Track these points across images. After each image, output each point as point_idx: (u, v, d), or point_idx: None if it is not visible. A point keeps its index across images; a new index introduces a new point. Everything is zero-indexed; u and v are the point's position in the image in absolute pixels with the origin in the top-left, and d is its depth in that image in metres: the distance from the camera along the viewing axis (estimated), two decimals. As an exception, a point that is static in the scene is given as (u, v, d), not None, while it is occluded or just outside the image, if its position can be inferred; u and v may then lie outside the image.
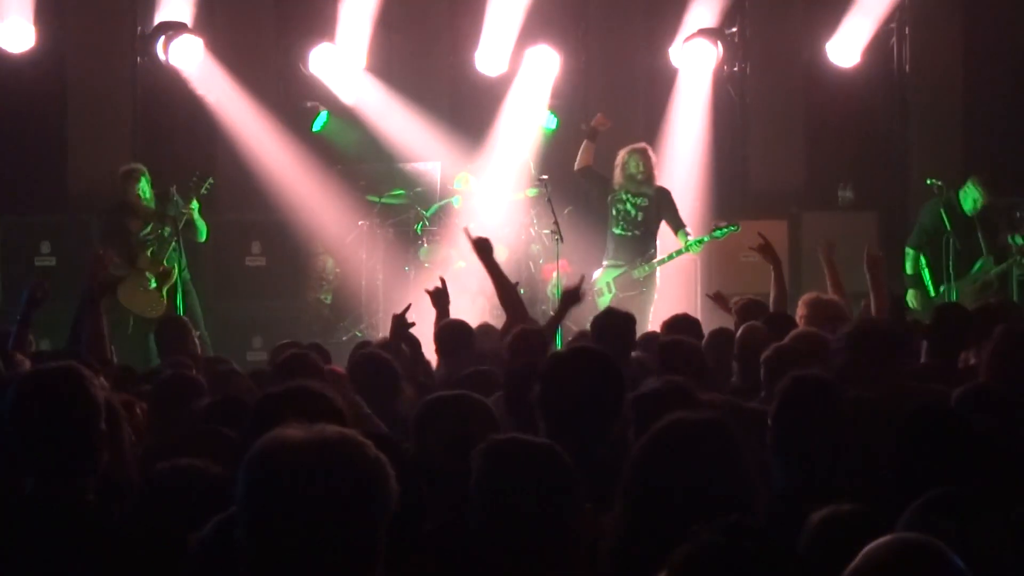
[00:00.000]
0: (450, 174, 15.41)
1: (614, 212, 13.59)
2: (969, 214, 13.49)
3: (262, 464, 2.83)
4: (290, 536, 2.78)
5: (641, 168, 13.52)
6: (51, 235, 14.45)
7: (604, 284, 13.48)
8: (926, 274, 13.60)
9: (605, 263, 13.62)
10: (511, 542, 3.84)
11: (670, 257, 13.40)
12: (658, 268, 13.42)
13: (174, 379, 6.69)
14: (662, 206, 13.55)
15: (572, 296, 8.70)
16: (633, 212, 13.52)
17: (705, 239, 13.35)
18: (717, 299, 10.53)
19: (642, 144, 13.86)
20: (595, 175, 13.81)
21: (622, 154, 13.65)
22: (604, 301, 13.02)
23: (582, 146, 13.83)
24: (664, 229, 13.56)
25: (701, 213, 14.97)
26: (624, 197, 13.53)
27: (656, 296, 13.44)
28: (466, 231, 8.80)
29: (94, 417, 4.31)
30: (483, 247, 8.61)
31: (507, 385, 5.99)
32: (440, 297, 9.03)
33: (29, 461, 4.28)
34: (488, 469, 3.94)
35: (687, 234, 13.23)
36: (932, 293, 13.39)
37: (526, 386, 5.31)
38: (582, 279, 8.85)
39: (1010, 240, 13.54)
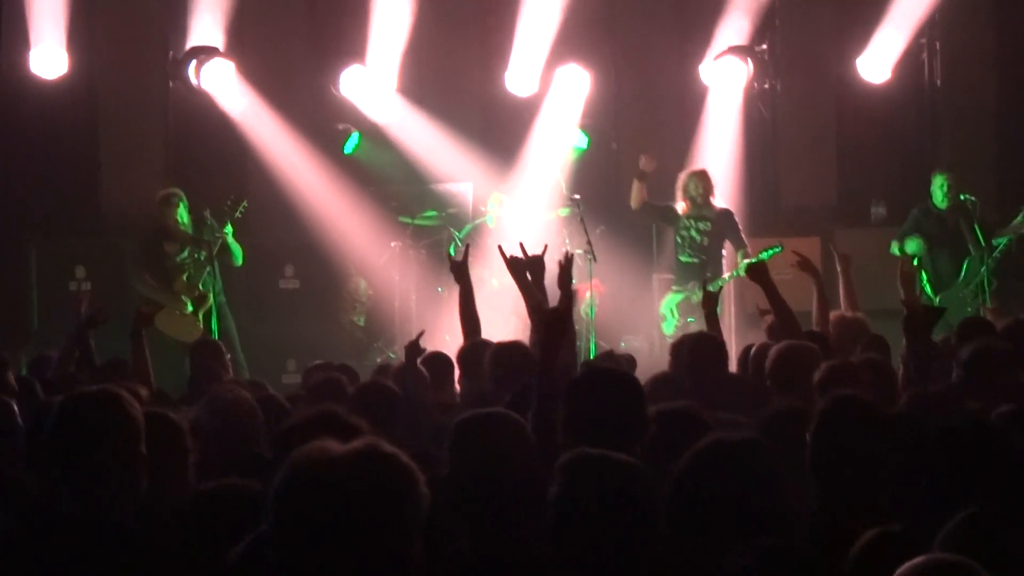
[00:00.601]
0: (482, 194, 15.41)
1: (679, 239, 13.74)
2: (943, 207, 13.59)
3: (290, 477, 2.84)
4: (320, 547, 2.79)
5: (700, 191, 13.71)
6: (85, 259, 14.52)
7: (668, 310, 13.58)
8: (927, 286, 13.63)
9: (672, 288, 13.74)
10: (590, 558, 3.80)
11: (723, 281, 13.34)
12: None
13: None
14: (725, 228, 13.67)
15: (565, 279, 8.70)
16: (698, 237, 13.64)
17: (753, 261, 13.35)
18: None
19: (700, 167, 14.01)
20: (654, 208, 13.91)
21: (681, 178, 13.84)
22: (667, 326, 13.20)
23: (633, 187, 13.90)
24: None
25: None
26: (687, 223, 13.67)
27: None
28: (500, 249, 8.79)
29: (134, 440, 4.32)
30: (517, 266, 8.58)
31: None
32: (461, 272, 8.93)
33: (69, 485, 4.30)
34: (573, 483, 3.90)
35: (747, 255, 13.25)
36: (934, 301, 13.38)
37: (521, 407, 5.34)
38: (570, 257, 8.73)
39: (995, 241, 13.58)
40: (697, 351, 7.64)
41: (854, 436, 4.53)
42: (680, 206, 13.88)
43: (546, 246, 8.72)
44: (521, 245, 8.69)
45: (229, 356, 10.47)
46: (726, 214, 13.82)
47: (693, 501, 3.84)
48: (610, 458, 3.97)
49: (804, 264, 10.03)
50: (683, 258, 13.74)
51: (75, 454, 4.29)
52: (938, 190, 13.72)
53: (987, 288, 13.04)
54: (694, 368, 7.45)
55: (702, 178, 13.84)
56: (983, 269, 13.33)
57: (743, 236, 13.72)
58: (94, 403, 4.37)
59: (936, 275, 13.68)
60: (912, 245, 13.66)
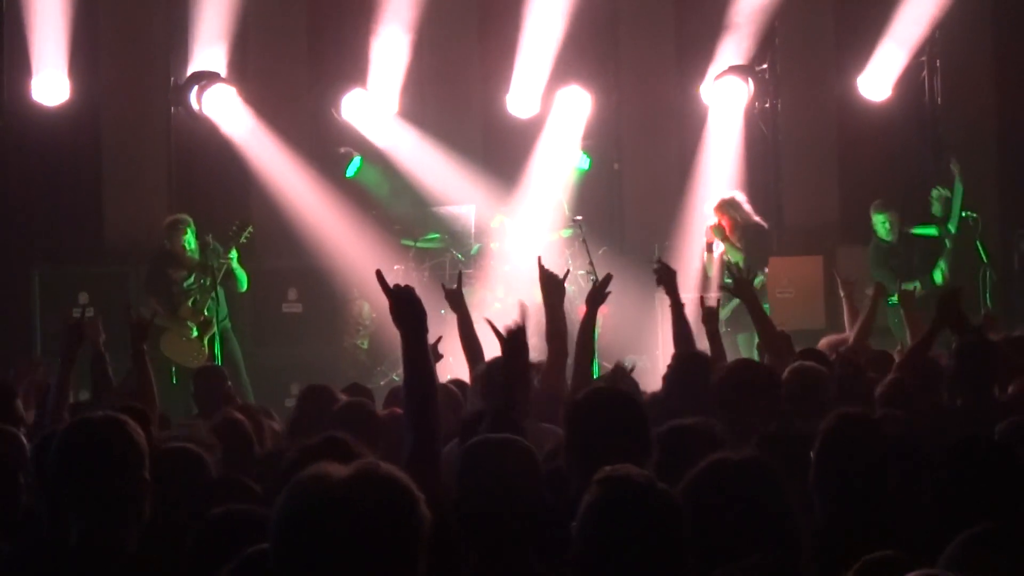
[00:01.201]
0: (484, 216, 15.43)
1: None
2: (890, 239, 13.69)
3: (291, 500, 2.85)
4: (321, 570, 2.80)
5: (722, 222, 13.91)
6: (88, 285, 14.52)
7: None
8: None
9: None
10: None
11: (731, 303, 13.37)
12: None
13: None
14: (748, 246, 13.84)
15: (597, 297, 8.71)
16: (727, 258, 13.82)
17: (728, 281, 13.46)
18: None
19: (727, 195, 14.10)
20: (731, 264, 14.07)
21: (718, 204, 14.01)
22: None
23: (705, 259, 14.02)
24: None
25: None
26: (730, 250, 13.80)
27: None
28: (539, 260, 8.77)
29: (138, 467, 4.32)
30: (550, 282, 8.57)
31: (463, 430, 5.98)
32: (457, 300, 8.93)
33: (74, 511, 4.30)
34: (602, 505, 3.88)
35: (763, 274, 13.43)
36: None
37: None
38: (608, 277, 8.79)
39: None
40: (681, 370, 7.63)
41: (858, 454, 4.53)
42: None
43: (568, 271, 8.77)
44: (539, 259, 8.69)
45: (230, 383, 10.46)
46: (751, 233, 13.96)
47: (695, 521, 3.84)
48: (649, 480, 3.95)
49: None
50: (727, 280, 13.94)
51: (79, 480, 4.29)
52: (880, 226, 13.82)
53: (987, 295, 13.03)
54: (678, 386, 7.42)
55: (722, 208, 14.07)
56: (987, 276, 13.35)
57: (760, 255, 13.80)
58: (98, 429, 4.37)
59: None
60: (937, 275, 13.82)
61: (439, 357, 8.66)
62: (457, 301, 8.82)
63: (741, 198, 14.27)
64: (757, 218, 14.21)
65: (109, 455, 4.29)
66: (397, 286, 5.00)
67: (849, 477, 4.50)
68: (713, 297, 11.81)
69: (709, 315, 8.89)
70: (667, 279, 8.58)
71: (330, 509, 2.81)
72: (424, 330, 4.96)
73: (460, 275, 9.32)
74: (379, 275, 5.18)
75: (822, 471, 4.55)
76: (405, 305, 4.97)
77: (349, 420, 6.52)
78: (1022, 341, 8.81)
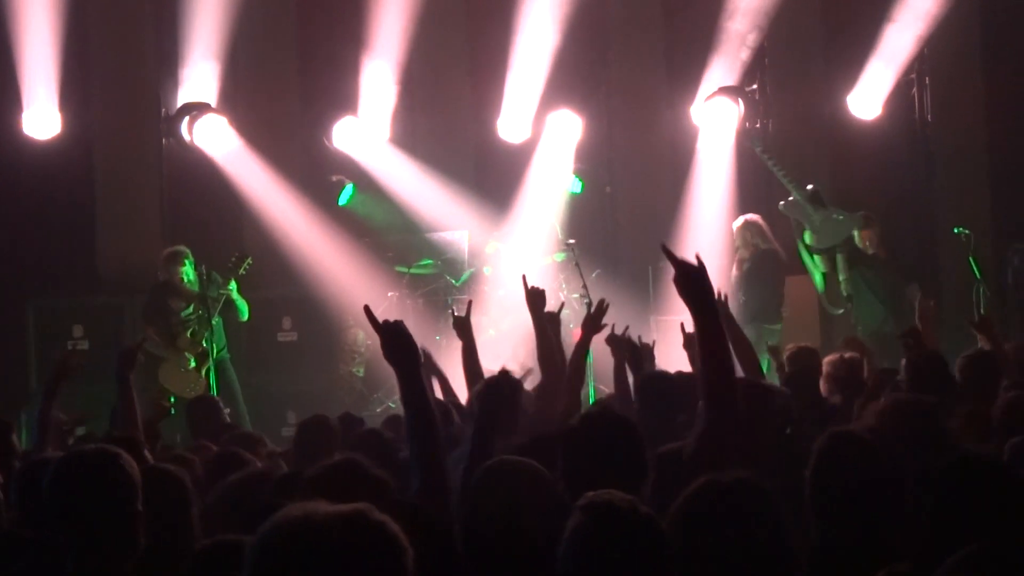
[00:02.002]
0: (477, 242, 15.44)
1: None
2: (869, 252, 13.67)
3: (269, 537, 2.79)
4: None
5: (738, 243, 13.94)
6: (83, 318, 14.51)
7: None
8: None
9: None
10: None
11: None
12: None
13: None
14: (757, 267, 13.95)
15: (593, 324, 8.75)
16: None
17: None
18: None
19: (743, 217, 14.16)
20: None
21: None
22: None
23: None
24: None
25: (727, 270, 14.95)
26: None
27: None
28: (523, 279, 8.81)
29: (130, 498, 4.33)
30: (536, 298, 8.61)
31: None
32: (464, 327, 8.92)
33: (67, 543, 4.30)
34: (585, 531, 3.88)
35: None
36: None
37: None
38: (604, 305, 8.83)
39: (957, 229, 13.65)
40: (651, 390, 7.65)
41: (853, 473, 4.51)
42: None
43: (562, 302, 8.79)
44: (524, 278, 8.72)
45: (228, 411, 10.46)
46: (758, 256, 14.01)
47: (687, 543, 3.84)
48: (633, 506, 3.95)
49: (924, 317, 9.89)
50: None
51: (72, 512, 4.30)
52: (858, 243, 13.78)
53: (982, 311, 12.99)
54: (655, 407, 7.42)
55: (739, 230, 14.12)
56: (981, 292, 13.34)
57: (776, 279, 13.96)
58: (91, 462, 4.37)
59: (861, 316, 13.64)
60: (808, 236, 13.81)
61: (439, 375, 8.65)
62: (464, 329, 8.79)
63: (762, 223, 14.27)
64: (776, 245, 14.24)
65: (102, 488, 4.30)
66: (387, 322, 4.98)
67: (844, 496, 4.48)
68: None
69: (690, 341, 8.91)
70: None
71: (306, 551, 2.73)
72: (417, 364, 4.94)
73: (469, 304, 9.29)
74: (367, 311, 5.16)
75: (817, 490, 4.53)
76: (395, 341, 4.95)
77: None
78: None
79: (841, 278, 13.71)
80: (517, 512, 4.44)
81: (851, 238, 13.76)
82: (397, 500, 4.54)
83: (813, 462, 4.63)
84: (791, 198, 13.93)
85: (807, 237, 13.81)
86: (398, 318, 5.09)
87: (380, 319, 5.07)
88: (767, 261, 14.03)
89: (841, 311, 13.96)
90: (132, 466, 4.38)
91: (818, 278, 13.84)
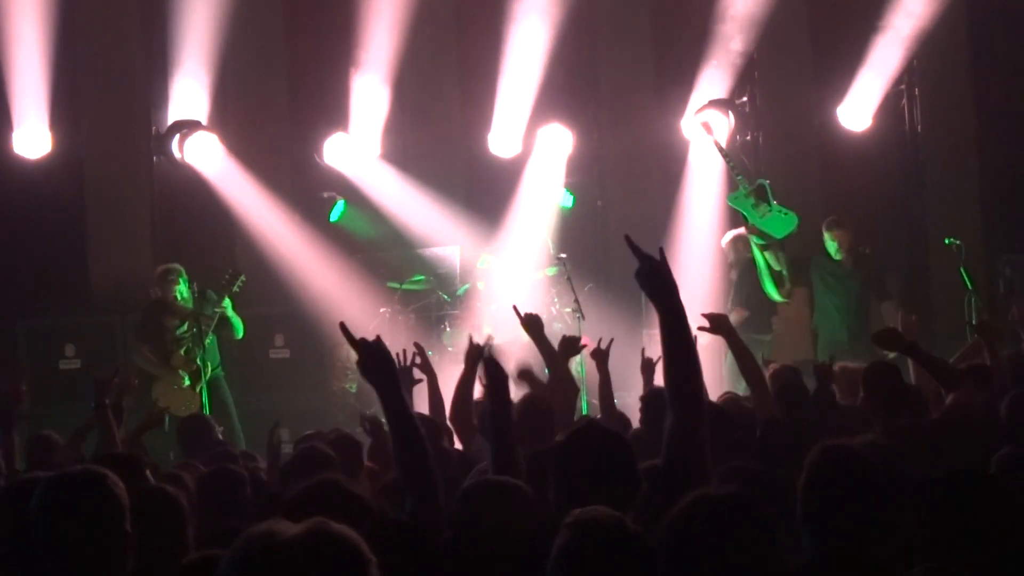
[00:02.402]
0: (470, 257, 15.44)
1: None
2: (838, 258, 13.63)
3: (236, 559, 2.83)
4: None
5: (730, 257, 14.51)
6: (75, 337, 14.50)
7: None
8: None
9: None
10: None
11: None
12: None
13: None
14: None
15: (571, 345, 8.79)
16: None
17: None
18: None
19: (733, 232, 14.24)
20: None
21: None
22: None
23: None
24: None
25: (719, 283, 14.97)
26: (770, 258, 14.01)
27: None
28: (515, 308, 8.82)
29: (118, 520, 4.31)
30: (533, 323, 8.63)
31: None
32: (473, 356, 8.70)
33: (55, 566, 4.28)
34: (571, 549, 3.88)
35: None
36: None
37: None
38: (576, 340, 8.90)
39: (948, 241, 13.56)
40: (654, 405, 7.65)
41: (844, 488, 4.49)
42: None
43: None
44: (515, 308, 8.74)
45: (222, 428, 10.45)
46: (748, 268, 14.08)
47: (679, 558, 3.83)
48: (619, 523, 3.95)
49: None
50: None
51: (59, 534, 4.28)
52: (829, 245, 13.73)
53: (974, 320, 12.97)
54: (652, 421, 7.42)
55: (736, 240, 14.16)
56: (972, 302, 13.31)
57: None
58: (78, 483, 4.36)
59: (828, 320, 13.63)
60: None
61: (417, 380, 8.62)
62: (473, 359, 8.68)
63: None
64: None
65: (88, 509, 4.29)
66: (363, 339, 4.95)
67: (835, 511, 4.47)
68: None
69: (647, 366, 8.97)
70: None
71: (277, 568, 2.78)
72: (395, 380, 4.91)
73: (489, 339, 9.26)
74: (343, 328, 5.13)
75: (808, 505, 4.52)
76: (373, 358, 4.92)
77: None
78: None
79: (784, 272, 13.66)
80: (500, 531, 4.43)
81: (823, 246, 13.75)
82: (383, 518, 4.53)
83: (805, 475, 4.62)
84: (736, 190, 13.91)
85: (752, 239, 13.79)
86: (379, 334, 5.07)
87: (372, 335, 5.05)
88: (756, 273, 14.04)
89: (784, 300, 13.90)
90: (120, 486, 4.36)
91: (768, 282, 13.74)
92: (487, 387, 5.48)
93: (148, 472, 5.98)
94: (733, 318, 11.71)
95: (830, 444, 4.81)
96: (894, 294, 13.87)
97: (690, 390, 4.85)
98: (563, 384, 8.41)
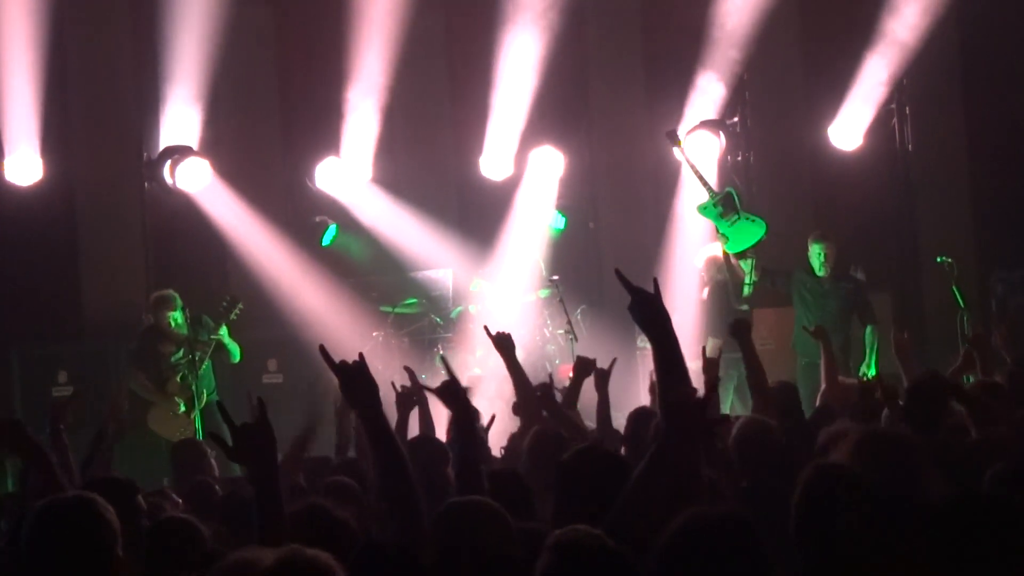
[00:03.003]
0: (462, 280, 15.44)
1: None
2: (821, 273, 13.53)
3: None
4: None
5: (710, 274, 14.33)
6: (68, 364, 14.48)
7: None
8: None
9: None
10: None
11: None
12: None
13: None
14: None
15: (585, 367, 8.77)
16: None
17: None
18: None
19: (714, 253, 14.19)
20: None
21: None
22: None
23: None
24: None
25: (707, 310, 14.94)
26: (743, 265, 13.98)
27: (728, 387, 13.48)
28: (486, 329, 8.81)
29: (110, 545, 4.31)
30: (504, 344, 8.60)
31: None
32: (505, 343, 8.66)
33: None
34: (553, 571, 3.88)
35: None
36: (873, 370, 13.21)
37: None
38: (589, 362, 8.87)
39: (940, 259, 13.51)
40: (639, 423, 7.63)
41: (838, 508, 4.48)
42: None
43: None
44: (486, 328, 8.73)
45: (215, 454, 10.42)
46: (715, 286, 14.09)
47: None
48: (601, 543, 3.95)
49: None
50: None
51: (51, 560, 4.28)
52: (815, 258, 13.65)
53: (966, 331, 12.95)
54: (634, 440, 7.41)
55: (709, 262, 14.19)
56: (964, 321, 13.31)
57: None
58: (69, 509, 4.36)
59: (797, 338, 13.44)
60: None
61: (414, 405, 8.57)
62: (506, 348, 8.62)
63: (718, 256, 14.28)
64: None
65: (79, 535, 4.29)
66: (343, 362, 4.92)
67: (830, 531, 4.45)
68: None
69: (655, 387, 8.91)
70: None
71: None
72: (376, 402, 4.87)
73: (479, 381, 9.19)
74: (323, 351, 5.09)
75: (802, 525, 4.50)
76: (354, 382, 4.88)
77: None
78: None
79: (747, 282, 13.56)
80: (479, 551, 4.43)
81: (806, 261, 13.70)
82: (367, 541, 4.53)
83: (798, 495, 4.61)
84: (705, 200, 13.86)
85: (720, 242, 13.74)
86: (361, 353, 5.04)
87: (372, 359, 5.05)
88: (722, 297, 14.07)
89: (744, 307, 13.86)
90: (110, 511, 4.36)
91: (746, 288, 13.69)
92: (455, 424, 5.51)
93: (139, 498, 5.97)
94: (710, 348, 11.69)
95: (823, 463, 4.81)
96: (879, 318, 13.69)
97: (685, 423, 4.83)
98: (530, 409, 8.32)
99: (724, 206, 13.66)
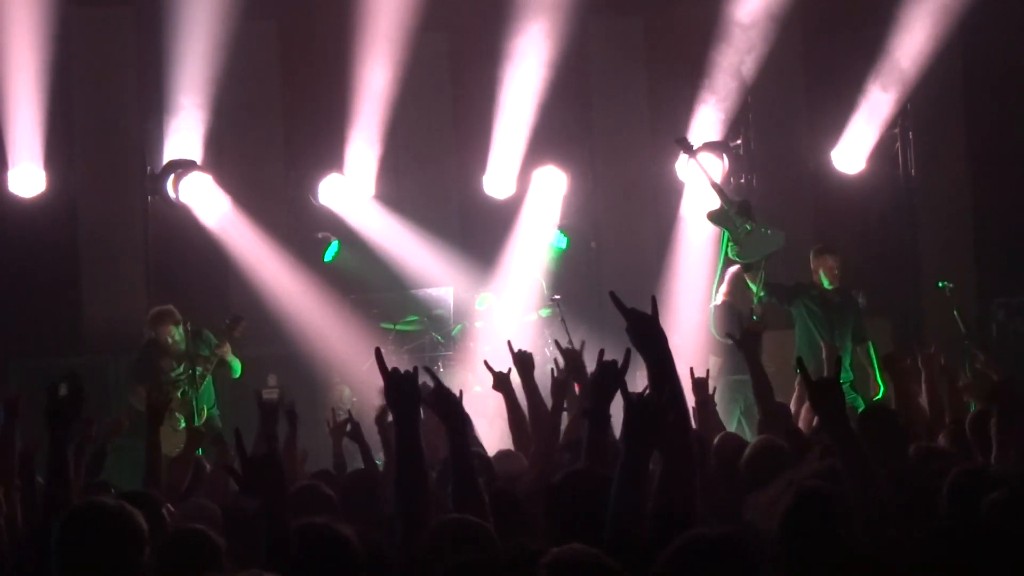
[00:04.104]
0: (463, 298, 15.43)
1: None
2: (829, 287, 13.36)
3: None
4: None
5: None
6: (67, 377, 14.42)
7: None
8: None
9: None
10: None
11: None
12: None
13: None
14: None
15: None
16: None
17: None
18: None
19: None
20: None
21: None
22: None
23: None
24: None
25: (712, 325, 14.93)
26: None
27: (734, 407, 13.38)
28: (508, 344, 8.78)
29: (138, 551, 4.35)
30: (524, 363, 8.56)
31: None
32: (525, 361, 8.63)
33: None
34: None
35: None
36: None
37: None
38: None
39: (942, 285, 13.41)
40: None
41: (821, 531, 4.44)
42: None
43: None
44: (509, 343, 8.70)
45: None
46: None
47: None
48: (598, 560, 3.95)
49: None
50: None
51: (80, 565, 4.32)
52: (825, 271, 13.30)
53: (968, 365, 12.88)
54: None
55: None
56: (966, 346, 13.23)
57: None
58: (100, 515, 4.40)
59: (813, 355, 13.17)
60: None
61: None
62: (526, 367, 8.58)
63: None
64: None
65: (109, 540, 4.34)
66: (395, 370, 4.96)
67: (812, 552, 4.42)
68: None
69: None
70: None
71: None
72: (416, 418, 4.93)
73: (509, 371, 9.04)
74: (378, 354, 5.15)
75: (785, 546, 4.47)
76: (400, 389, 4.94)
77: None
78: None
79: (756, 297, 13.26)
80: (454, 570, 4.43)
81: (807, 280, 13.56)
82: (371, 561, 4.54)
83: (780, 519, 4.59)
84: (718, 207, 13.72)
85: (730, 250, 13.54)
86: (416, 366, 5.10)
87: (366, 375, 5.10)
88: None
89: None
90: (139, 517, 4.42)
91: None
92: (449, 435, 5.49)
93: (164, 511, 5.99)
94: (711, 367, 11.62)
95: (804, 487, 4.78)
96: (870, 339, 13.58)
97: (683, 445, 4.82)
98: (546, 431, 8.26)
99: (741, 213, 13.50)
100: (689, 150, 14.29)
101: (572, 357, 8.18)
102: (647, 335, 4.94)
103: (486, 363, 8.74)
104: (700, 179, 14.55)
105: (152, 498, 5.93)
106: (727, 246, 13.42)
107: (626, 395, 4.75)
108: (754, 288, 13.28)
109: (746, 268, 13.28)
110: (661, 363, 4.90)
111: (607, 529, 4.55)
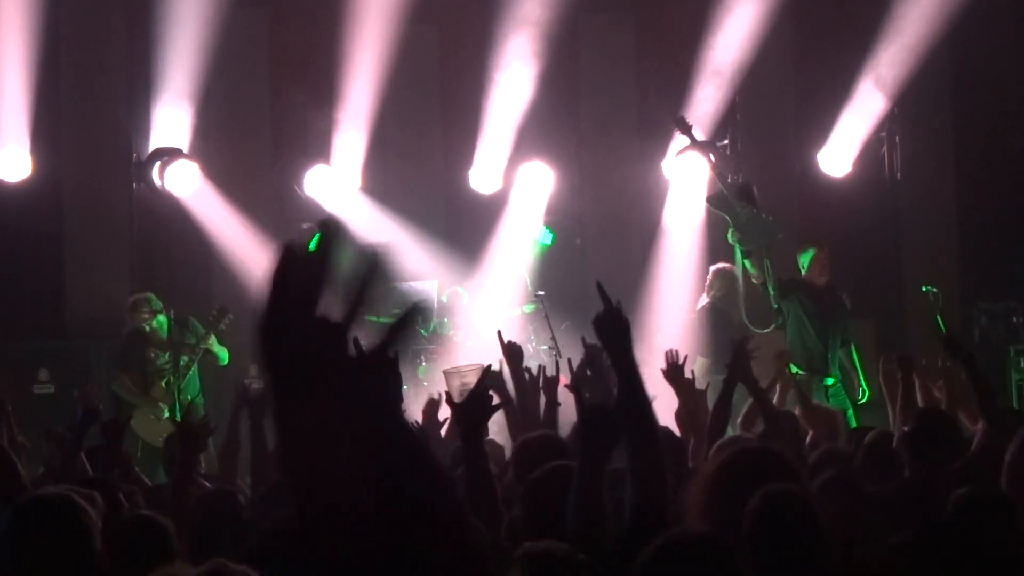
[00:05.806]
0: (448, 292, 15.43)
1: None
2: (818, 282, 13.34)
3: None
4: None
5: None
6: (49, 362, 14.42)
7: None
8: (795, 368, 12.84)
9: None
10: None
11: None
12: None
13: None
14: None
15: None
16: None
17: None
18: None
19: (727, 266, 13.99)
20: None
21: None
22: None
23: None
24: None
25: (697, 328, 14.93)
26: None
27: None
28: (499, 335, 8.77)
29: (89, 543, 4.31)
30: (514, 354, 8.55)
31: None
32: (515, 353, 8.53)
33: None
34: None
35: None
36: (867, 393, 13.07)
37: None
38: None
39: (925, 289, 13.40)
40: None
41: (790, 534, 4.41)
42: None
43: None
44: (499, 334, 8.69)
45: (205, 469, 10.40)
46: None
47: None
48: (570, 554, 3.96)
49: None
50: None
51: (30, 558, 4.28)
52: (815, 263, 13.32)
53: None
54: None
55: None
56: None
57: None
58: (47, 507, 4.36)
59: (806, 352, 13.16)
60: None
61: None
62: (515, 358, 8.57)
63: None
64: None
65: (58, 533, 4.29)
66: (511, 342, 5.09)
67: (781, 554, 4.39)
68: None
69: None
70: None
71: None
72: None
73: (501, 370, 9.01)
74: (499, 335, 5.27)
75: (754, 549, 4.44)
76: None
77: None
78: None
79: (771, 284, 13.21)
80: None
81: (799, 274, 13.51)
82: None
83: (748, 521, 4.57)
84: (717, 191, 13.67)
85: (729, 236, 13.52)
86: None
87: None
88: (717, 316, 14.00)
89: (767, 330, 13.69)
90: (88, 510, 4.37)
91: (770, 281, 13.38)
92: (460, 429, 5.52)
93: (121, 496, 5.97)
94: (698, 368, 11.60)
95: (770, 490, 4.76)
96: (852, 341, 13.58)
97: (647, 440, 4.84)
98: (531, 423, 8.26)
99: (741, 198, 13.47)
100: (687, 131, 14.30)
101: (593, 354, 8.12)
102: (614, 329, 5.02)
103: (498, 333, 8.69)
104: (698, 161, 14.58)
105: (109, 485, 5.91)
106: (729, 235, 13.40)
107: (579, 399, 4.84)
108: (753, 272, 13.21)
109: (746, 254, 13.23)
110: (624, 360, 4.95)
111: (569, 530, 4.57)
